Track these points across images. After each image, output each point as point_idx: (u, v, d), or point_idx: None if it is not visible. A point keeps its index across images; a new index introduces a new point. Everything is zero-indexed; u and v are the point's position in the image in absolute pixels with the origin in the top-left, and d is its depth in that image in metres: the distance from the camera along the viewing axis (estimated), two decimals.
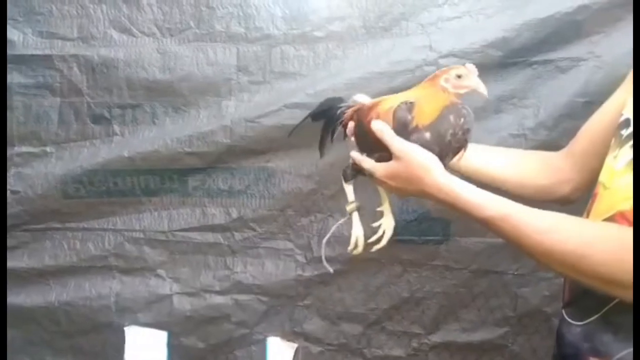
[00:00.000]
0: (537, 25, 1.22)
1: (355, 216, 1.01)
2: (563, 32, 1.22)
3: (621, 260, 0.63)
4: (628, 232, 0.64)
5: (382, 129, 0.85)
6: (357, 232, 0.99)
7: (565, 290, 0.85)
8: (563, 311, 0.82)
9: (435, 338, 1.38)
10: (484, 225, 0.77)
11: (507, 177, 0.99)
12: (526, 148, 1.26)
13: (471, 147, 0.92)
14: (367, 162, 0.91)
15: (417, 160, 0.81)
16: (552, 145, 1.25)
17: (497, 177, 0.99)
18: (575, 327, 0.77)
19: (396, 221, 1.34)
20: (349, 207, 1.03)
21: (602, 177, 0.79)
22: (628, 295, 0.63)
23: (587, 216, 0.79)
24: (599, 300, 0.72)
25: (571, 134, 1.24)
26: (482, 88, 0.82)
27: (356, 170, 0.98)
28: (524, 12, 1.23)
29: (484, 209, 0.74)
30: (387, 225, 0.98)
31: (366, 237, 1.01)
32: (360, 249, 0.98)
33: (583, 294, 0.76)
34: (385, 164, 0.86)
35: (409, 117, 0.84)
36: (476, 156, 0.97)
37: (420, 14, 1.28)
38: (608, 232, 0.67)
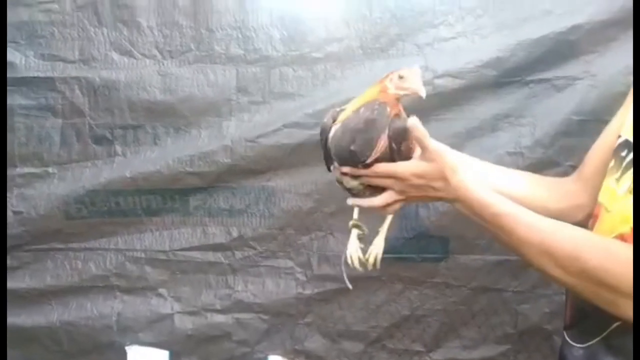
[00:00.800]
0: (531, 45, 1.24)
1: (353, 233, 0.98)
2: (558, 51, 1.24)
3: (610, 267, 0.66)
4: (619, 243, 0.69)
5: (418, 126, 0.80)
6: (351, 249, 0.96)
7: (566, 311, 0.85)
8: (565, 333, 0.82)
9: (437, 356, 1.39)
10: (490, 223, 0.78)
11: (522, 201, 0.97)
12: (523, 166, 1.27)
13: (486, 170, 0.93)
14: (398, 166, 0.83)
15: (449, 160, 0.80)
16: (549, 163, 1.28)
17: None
18: (577, 350, 0.77)
19: (395, 239, 1.37)
20: (350, 224, 0.99)
21: (603, 198, 0.81)
22: (618, 302, 0.66)
23: None
24: (600, 322, 0.72)
25: (567, 151, 1.26)
26: (421, 91, 0.80)
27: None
28: (518, 32, 1.25)
29: (493, 207, 0.77)
30: (376, 245, 0.94)
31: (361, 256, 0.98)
32: (356, 265, 0.96)
33: (584, 316, 0.77)
34: (411, 162, 0.83)
35: (337, 112, 0.85)
36: (494, 179, 0.95)
37: (416, 35, 1.30)
38: (602, 239, 0.72)
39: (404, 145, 0.82)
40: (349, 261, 0.94)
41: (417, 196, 0.85)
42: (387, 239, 1.35)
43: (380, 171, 0.82)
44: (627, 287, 0.64)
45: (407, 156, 0.84)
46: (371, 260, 0.92)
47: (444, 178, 0.80)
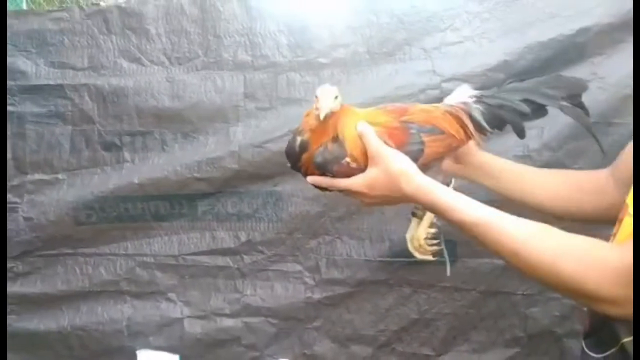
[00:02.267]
0: (539, 48, 1.24)
1: (414, 221, 0.97)
2: (565, 54, 1.24)
3: (592, 275, 0.64)
4: (594, 247, 0.66)
5: (366, 131, 0.82)
6: (408, 234, 0.97)
7: (586, 321, 0.84)
8: (583, 342, 0.80)
9: (446, 359, 1.38)
10: (461, 229, 0.76)
11: (556, 205, 0.94)
12: None
13: (521, 172, 0.93)
14: (340, 182, 0.86)
15: (395, 163, 0.79)
16: (557, 166, 1.27)
17: (547, 202, 0.94)
18: None
19: (403, 243, 1.37)
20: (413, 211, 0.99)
21: (629, 199, 0.75)
22: (598, 307, 0.66)
23: (613, 239, 0.77)
24: (615, 333, 0.71)
25: (575, 154, 1.26)
26: (321, 112, 0.79)
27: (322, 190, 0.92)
28: (525, 35, 1.25)
29: (459, 212, 0.74)
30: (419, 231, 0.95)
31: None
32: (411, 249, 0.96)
33: (602, 325, 0.75)
34: (360, 176, 0.83)
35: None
36: (526, 179, 0.94)
37: (423, 39, 1.31)
38: (583, 245, 0.68)
39: (337, 167, 0.83)
40: (409, 245, 0.94)
41: (385, 203, 0.85)
42: (394, 242, 1.38)
43: (339, 187, 0.85)
44: (607, 291, 0.63)
45: (356, 170, 0.83)
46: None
47: (395, 186, 0.79)
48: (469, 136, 0.89)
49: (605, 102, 1.23)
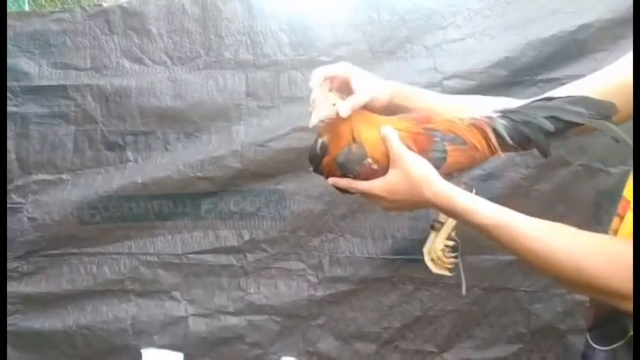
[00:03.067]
0: (540, 44, 1.24)
1: (432, 234, 0.96)
2: (567, 50, 1.24)
3: (611, 272, 0.65)
4: (619, 245, 0.67)
5: (389, 134, 0.82)
6: (425, 247, 0.96)
7: (590, 314, 0.84)
8: (588, 335, 0.81)
9: (449, 356, 1.39)
10: (480, 232, 0.77)
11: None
12: (533, 165, 1.27)
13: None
14: (360, 184, 0.85)
15: (417, 168, 0.80)
16: (560, 162, 1.27)
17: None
18: (600, 353, 0.76)
19: (405, 240, 1.38)
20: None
21: (628, 194, 0.76)
22: (619, 303, 0.66)
23: (615, 235, 0.78)
24: (623, 326, 0.71)
25: (578, 151, 1.26)
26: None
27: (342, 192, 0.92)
28: (527, 32, 1.25)
29: (479, 215, 0.75)
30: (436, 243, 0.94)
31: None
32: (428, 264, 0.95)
33: (608, 319, 0.76)
34: (381, 179, 0.83)
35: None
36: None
37: (425, 37, 1.31)
38: (600, 243, 0.69)
39: (359, 168, 0.83)
40: (426, 258, 0.94)
41: (404, 207, 0.85)
42: (397, 240, 1.38)
43: (359, 189, 0.84)
44: (627, 288, 0.64)
45: (378, 172, 0.83)
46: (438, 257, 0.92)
47: (416, 191, 0.79)
48: (492, 150, 0.87)
49: None
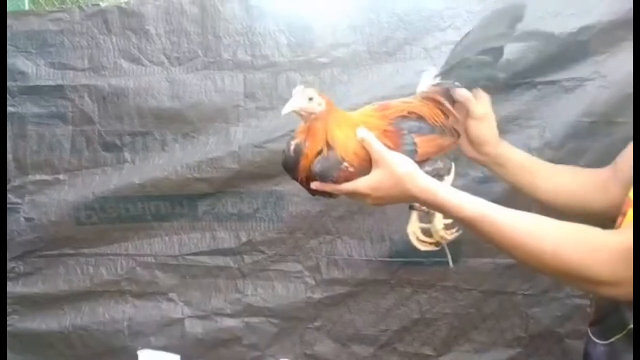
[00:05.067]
0: (540, 47, 1.22)
1: (413, 214, 0.97)
2: (567, 52, 1.23)
3: (593, 259, 0.68)
4: (594, 234, 0.70)
5: (367, 136, 0.84)
6: (412, 228, 0.97)
7: (591, 309, 0.86)
8: (589, 330, 0.83)
9: (447, 359, 1.38)
10: (465, 225, 0.79)
11: (568, 198, 0.96)
12: None
13: (534, 165, 0.95)
14: (345, 186, 0.87)
15: (401, 165, 0.82)
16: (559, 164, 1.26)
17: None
18: (600, 346, 0.79)
19: (403, 243, 1.37)
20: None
21: (631, 194, 0.77)
22: (601, 290, 0.69)
23: None
24: (622, 320, 0.73)
25: (577, 153, 1.25)
26: (284, 107, 0.83)
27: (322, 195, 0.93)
28: (527, 34, 1.24)
29: (462, 209, 0.77)
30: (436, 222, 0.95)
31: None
32: (415, 244, 0.96)
33: (608, 313, 0.77)
34: (364, 178, 0.85)
35: None
36: (538, 173, 0.96)
37: (424, 38, 1.30)
38: (583, 233, 0.72)
39: (337, 173, 0.84)
40: (411, 238, 0.95)
41: (388, 202, 0.87)
42: (395, 242, 1.37)
43: (344, 190, 0.86)
44: (608, 274, 0.67)
45: (355, 174, 0.84)
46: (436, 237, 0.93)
47: (401, 187, 0.81)
48: (446, 115, 0.92)
49: (608, 101, 1.22)
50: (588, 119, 1.23)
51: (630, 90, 1.20)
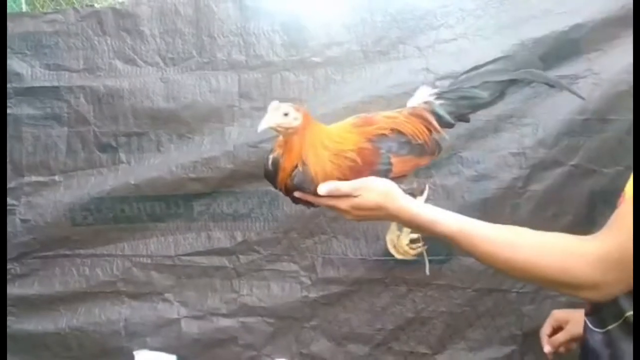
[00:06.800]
0: (533, 45, 1.23)
1: (392, 224, 0.98)
2: (560, 50, 1.24)
3: (571, 265, 0.71)
4: (571, 241, 0.73)
5: (330, 188, 0.84)
6: (390, 236, 0.99)
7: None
8: (586, 319, 0.84)
9: (442, 358, 1.38)
10: (444, 240, 0.81)
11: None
12: (526, 166, 1.27)
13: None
14: (325, 200, 0.87)
15: (379, 187, 0.84)
16: (552, 162, 1.27)
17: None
18: (597, 334, 0.81)
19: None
20: None
21: (630, 189, 0.74)
22: (583, 294, 0.72)
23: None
24: (618, 308, 0.76)
25: (571, 151, 1.26)
26: (260, 125, 0.85)
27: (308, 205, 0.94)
28: (519, 32, 1.25)
29: (441, 225, 0.80)
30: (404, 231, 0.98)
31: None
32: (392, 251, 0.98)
33: (605, 303, 0.78)
34: (346, 198, 0.86)
35: None
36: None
37: (417, 37, 1.30)
38: (555, 241, 0.75)
39: (313, 187, 0.84)
40: (389, 246, 0.97)
41: (367, 219, 0.88)
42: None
43: (325, 205, 0.87)
44: (587, 279, 0.70)
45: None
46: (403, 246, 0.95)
47: (380, 207, 0.83)
48: (434, 131, 0.93)
49: (600, 98, 1.22)
50: (581, 117, 1.24)
51: (623, 87, 1.21)
